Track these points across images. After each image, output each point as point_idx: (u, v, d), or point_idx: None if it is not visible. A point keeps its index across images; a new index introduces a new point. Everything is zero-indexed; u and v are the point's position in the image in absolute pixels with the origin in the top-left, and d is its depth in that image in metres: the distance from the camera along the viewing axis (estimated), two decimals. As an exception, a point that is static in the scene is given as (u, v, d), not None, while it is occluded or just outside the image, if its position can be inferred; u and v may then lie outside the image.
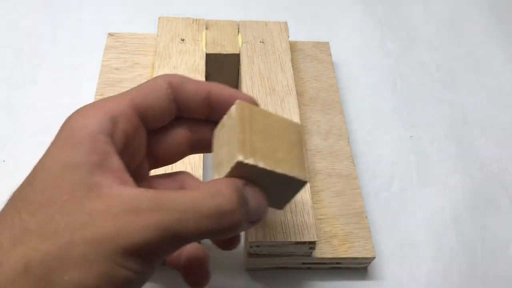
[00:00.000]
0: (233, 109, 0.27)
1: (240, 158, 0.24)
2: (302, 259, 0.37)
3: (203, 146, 0.29)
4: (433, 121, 0.51)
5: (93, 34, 0.54)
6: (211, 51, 0.46)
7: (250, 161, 0.24)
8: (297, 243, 0.34)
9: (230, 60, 0.46)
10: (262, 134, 0.26)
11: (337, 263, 0.38)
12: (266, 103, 0.42)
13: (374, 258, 0.38)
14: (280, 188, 0.27)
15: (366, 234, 0.38)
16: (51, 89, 0.49)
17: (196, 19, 0.48)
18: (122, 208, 0.21)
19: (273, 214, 0.35)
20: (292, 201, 0.28)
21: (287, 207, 0.35)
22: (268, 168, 0.25)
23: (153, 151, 0.28)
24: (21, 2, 0.57)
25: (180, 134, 0.29)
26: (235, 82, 0.49)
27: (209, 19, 0.49)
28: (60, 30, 0.55)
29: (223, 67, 0.47)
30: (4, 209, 0.23)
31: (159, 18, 0.48)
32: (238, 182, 0.25)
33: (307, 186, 0.37)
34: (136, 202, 0.22)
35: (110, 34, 0.49)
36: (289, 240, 0.34)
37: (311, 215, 0.35)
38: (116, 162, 0.24)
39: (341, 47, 0.56)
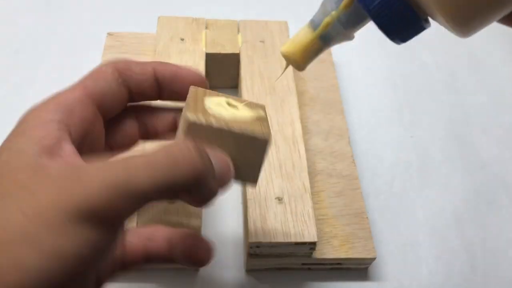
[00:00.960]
0: (188, 95, 0.26)
1: (190, 118, 0.23)
2: (303, 259, 0.37)
3: (151, 135, 0.29)
4: (433, 121, 0.51)
5: (92, 34, 0.54)
6: (211, 50, 0.46)
7: (202, 120, 0.23)
8: (297, 243, 0.34)
9: (230, 59, 0.46)
10: (218, 106, 0.25)
11: (337, 263, 0.38)
12: (266, 103, 0.42)
13: (375, 258, 0.37)
14: (243, 154, 0.25)
15: (366, 234, 0.38)
16: (51, 89, 0.49)
17: (196, 19, 0.48)
18: (66, 175, 0.20)
19: (273, 214, 0.35)
20: (261, 173, 0.27)
21: (287, 207, 0.35)
22: (225, 127, 0.23)
23: (108, 141, 0.28)
24: (21, 2, 0.57)
25: (130, 124, 0.29)
26: (235, 82, 0.49)
27: (209, 19, 0.48)
28: (59, 29, 0.55)
29: (223, 66, 0.47)
30: None
31: (158, 18, 0.48)
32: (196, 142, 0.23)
33: (308, 186, 0.37)
34: (81, 167, 0.20)
35: (109, 34, 0.49)
36: (289, 241, 0.33)
37: (311, 216, 0.35)
38: (68, 148, 0.22)
39: (341, 47, 0.56)
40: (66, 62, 0.51)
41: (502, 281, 0.40)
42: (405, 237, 0.42)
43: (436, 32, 0.61)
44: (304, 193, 0.36)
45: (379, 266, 0.40)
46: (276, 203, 0.35)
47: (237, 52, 0.46)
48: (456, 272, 0.40)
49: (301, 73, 0.49)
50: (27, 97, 0.48)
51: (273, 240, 0.33)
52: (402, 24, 0.19)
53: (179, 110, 0.29)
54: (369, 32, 0.60)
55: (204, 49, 0.46)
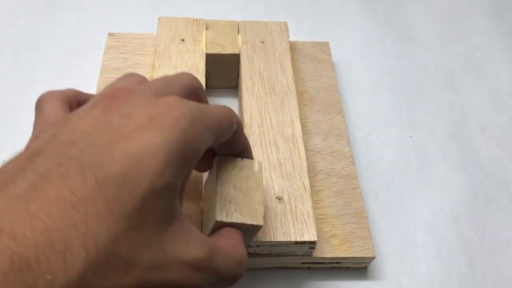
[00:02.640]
0: (214, 163, 0.31)
1: (218, 218, 0.28)
2: (302, 258, 0.37)
3: None
4: (432, 121, 0.51)
5: (93, 34, 0.54)
6: (211, 51, 0.46)
7: (228, 219, 0.29)
8: (297, 242, 0.34)
9: (230, 60, 0.47)
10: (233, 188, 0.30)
11: (337, 262, 0.38)
12: (266, 103, 0.42)
13: (374, 258, 0.38)
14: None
15: (366, 233, 0.38)
16: (51, 89, 0.49)
17: (196, 19, 0.48)
18: (192, 257, 0.22)
19: (273, 213, 0.35)
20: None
21: (287, 207, 0.35)
22: (247, 222, 0.29)
23: None
24: (21, 2, 0.57)
25: None
26: (235, 82, 0.49)
27: (209, 19, 0.49)
28: (60, 30, 0.55)
29: (223, 67, 0.47)
30: None
31: (159, 18, 0.48)
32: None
33: (307, 185, 0.37)
34: (199, 254, 0.22)
35: (110, 34, 0.49)
36: (289, 240, 0.34)
37: (311, 215, 0.35)
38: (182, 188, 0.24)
39: (341, 47, 0.56)
40: (67, 63, 0.52)
41: (500, 280, 0.40)
42: (404, 237, 0.42)
43: (436, 32, 0.62)
44: (304, 192, 0.36)
45: (378, 265, 0.40)
46: (276, 203, 0.36)
47: (237, 52, 0.46)
48: (455, 271, 0.40)
49: (301, 73, 0.49)
50: (27, 98, 0.48)
51: (273, 239, 0.33)
52: None
53: None
54: (369, 32, 0.60)
55: (204, 49, 0.46)
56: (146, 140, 0.20)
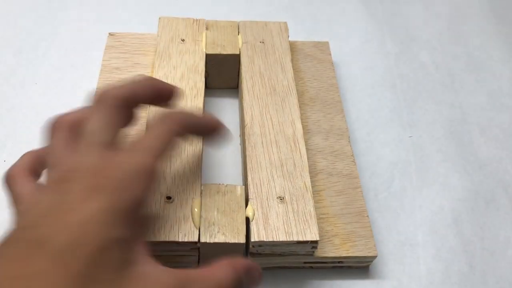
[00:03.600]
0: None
1: (202, 240, 0.33)
2: (304, 258, 0.37)
3: None
4: (432, 121, 0.51)
5: (93, 34, 0.54)
6: (211, 51, 0.46)
7: (211, 239, 0.33)
8: (299, 242, 0.34)
9: (230, 60, 0.47)
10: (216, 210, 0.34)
11: (339, 262, 0.38)
12: (267, 103, 0.42)
13: (376, 256, 0.38)
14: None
15: (367, 233, 0.38)
16: (51, 89, 0.49)
17: (197, 20, 0.48)
18: None
19: (275, 213, 0.35)
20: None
21: (288, 206, 0.35)
22: (230, 241, 0.33)
23: None
24: (21, 2, 0.57)
25: None
26: (234, 82, 0.49)
27: (210, 20, 0.49)
28: (60, 29, 0.55)
29: (223, 67, 0.47)
30: None
31: (159, 18, 0.48)
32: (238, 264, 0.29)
33: (309, 185, 0.37)
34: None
35: (110, 34, 0.49)
36: (292, 240, 0.34)
37: (313, 215, 0.35)
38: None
39: (341, 47, 0.56)
40: (66, 62, 0.52)
41: (500, 280, 0.40)
42: (404, 236, 0.42)
43: (435, 32, 0.62)
44: (306, 192, 0.36)
45: (378, 265, 0.40)
46: (278, 202, 0.36)
47: (237, 52, 0.46)
48: (455, 271, 0.40)
49: (301, 73, 0.49)
50: (28, 98, 0.48)
51: (275, 239, 0.34)
52: None
53: None
54: (369, 32, 0.60)
55: (204, 49, 0.46)
56: (91, 208, 0.24)
